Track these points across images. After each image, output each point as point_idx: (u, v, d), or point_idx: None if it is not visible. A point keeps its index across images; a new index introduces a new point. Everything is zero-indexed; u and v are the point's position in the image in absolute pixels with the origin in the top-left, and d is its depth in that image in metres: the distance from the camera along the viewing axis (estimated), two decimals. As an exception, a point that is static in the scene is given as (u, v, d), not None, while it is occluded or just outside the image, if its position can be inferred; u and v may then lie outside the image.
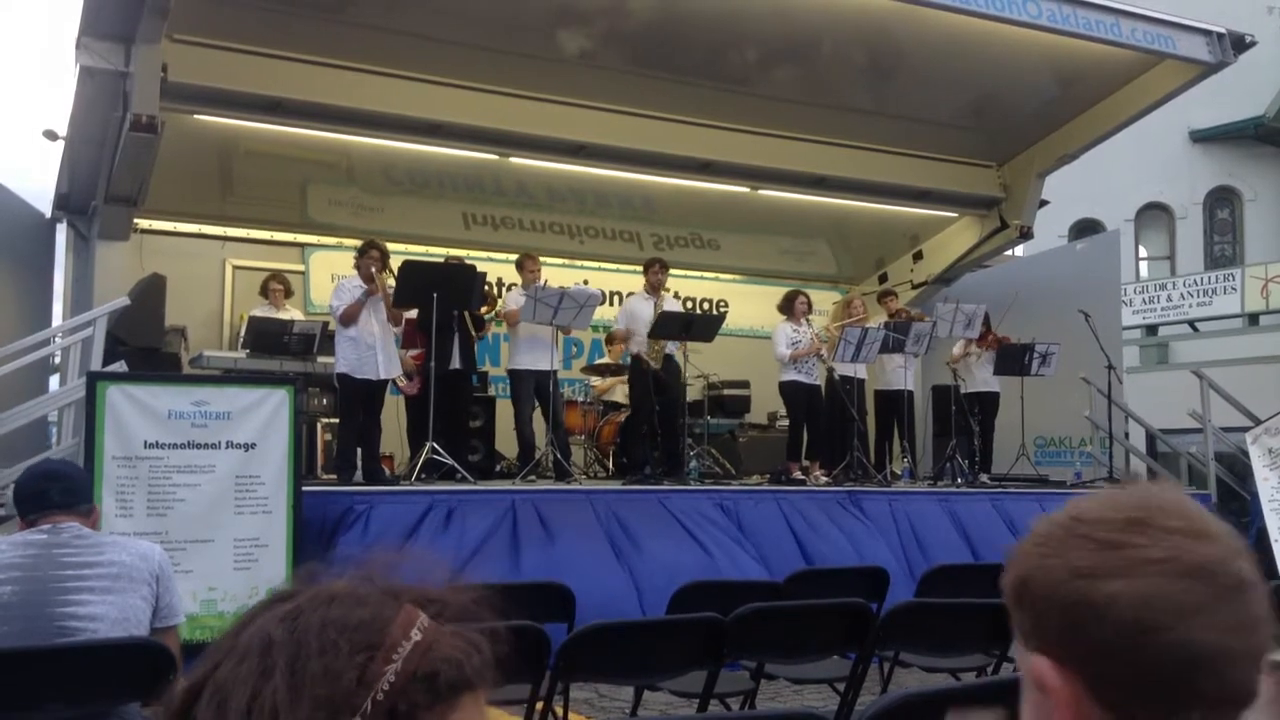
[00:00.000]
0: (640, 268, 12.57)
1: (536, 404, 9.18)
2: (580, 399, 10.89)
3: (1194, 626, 0.87)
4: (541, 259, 9.80)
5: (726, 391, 11.54)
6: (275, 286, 10.01)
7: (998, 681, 3.94)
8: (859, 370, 10.34)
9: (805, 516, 8.17)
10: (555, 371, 9.18)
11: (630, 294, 12.48)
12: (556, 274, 10.56)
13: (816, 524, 8.13)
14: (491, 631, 0.91)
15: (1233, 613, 0.89)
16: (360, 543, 6.69)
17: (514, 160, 10.92)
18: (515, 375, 9.27)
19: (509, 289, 11.26)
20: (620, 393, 11.04)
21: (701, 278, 13.16)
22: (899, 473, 10.45)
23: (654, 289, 9.61)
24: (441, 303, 8.44)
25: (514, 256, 10.33)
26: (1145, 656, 0.88)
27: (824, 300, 12.61)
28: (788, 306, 10.03)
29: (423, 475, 8.05)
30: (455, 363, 9.02)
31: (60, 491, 3.19)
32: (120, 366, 7.09)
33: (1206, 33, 9.68)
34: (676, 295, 10.59)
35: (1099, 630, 0.89)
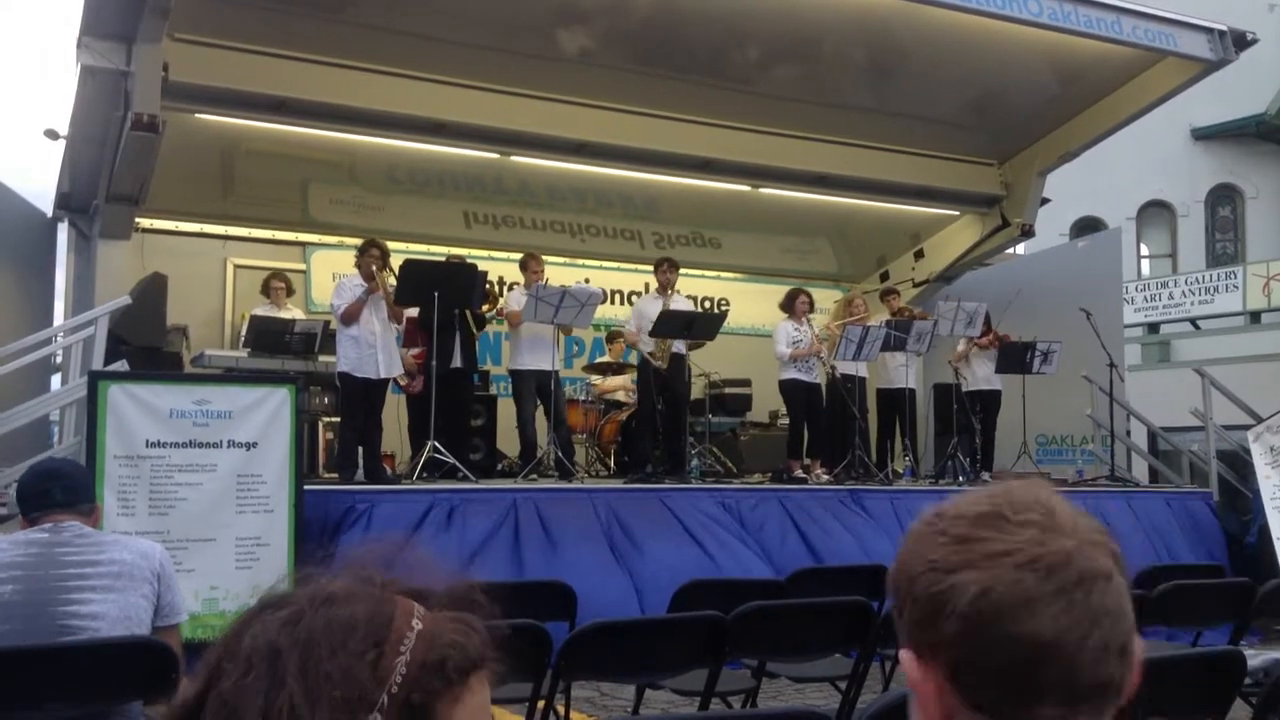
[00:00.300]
0: (641, 266, 12.67)
1: (538, 403, 9.19)
2: (582, 398, 10.89)
3: (1032, 618, 0.88)
4: (543, 258, 9.80)
5: (728, 390, 11.54)
6: (277, 285, 10.01)
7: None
8: (860, 369, 10.34)
9: (810, 514, 8.17)
10: (557, 371, 9.19)
11: (636, 294, 12.57)
12: (558, 273, 10.57)
13: (821, 521, 8.14)
14: (482, 614, 0.92)
15: (1075, 604, 0.89)
16: (360, 542, 6.70)
17: (515, 159, 10.93)
18: (517, 375, 9.28)
19: (510, 287, 11.28)
20: (622, 391, 11.04)
21: (703, 276, 13.15)
22: (900, 471, 10.44)
23: (663, 288, 9.61)
24: (442, 301, 8.44)
25: (515, 255, 10.34)
26: (989, 647, 0.89)
27: (826, 299, 12.62)
28: (789, 305, 10.02)
29: (424, 474, 8.05)
30: (457, 361, 9.03)
31: (62, 490, 3.19)
32: (122, 365, 7.09)
33: (1208, 30, 9.67)
34: (689, 297, 10.54)
35: (948, 622, 0.90)
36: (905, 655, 0.93)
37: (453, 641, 0.87)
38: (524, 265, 9.54)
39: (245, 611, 0.91)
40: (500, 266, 11.38)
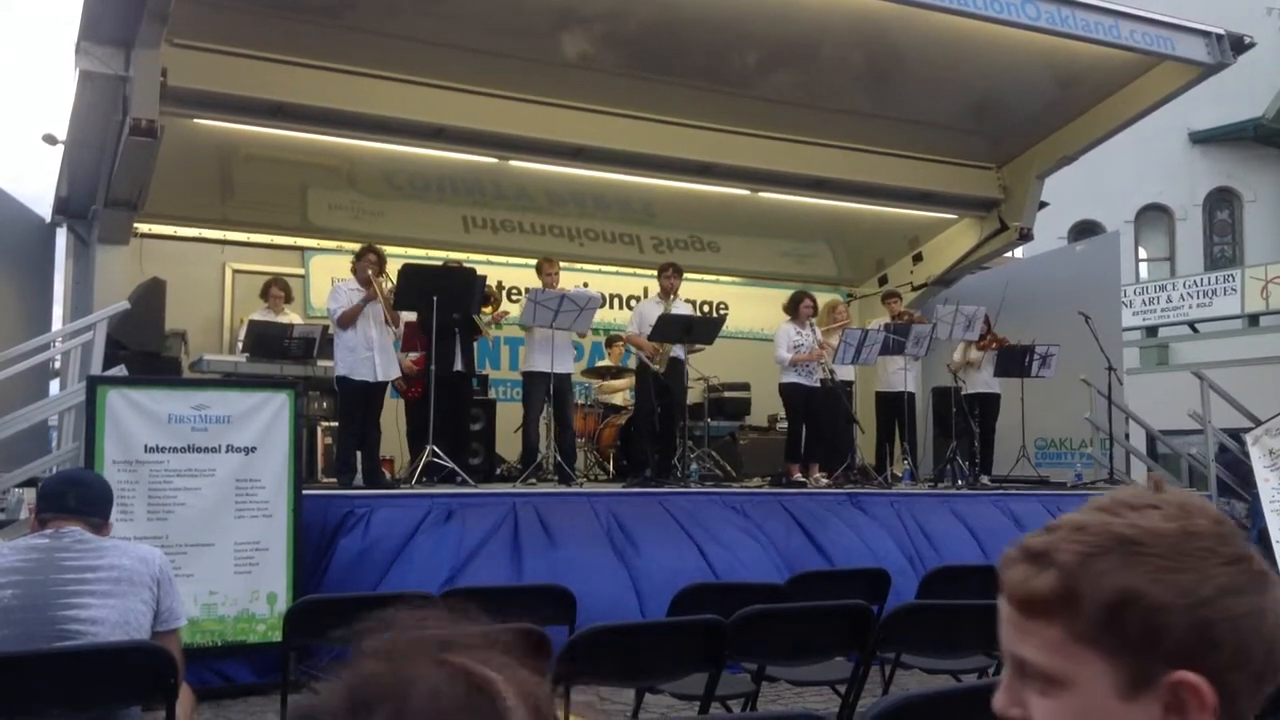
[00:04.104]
0: (640, 270, 12.69)
1: (546, 407, 9.19)
2: (581, 401, 10.89)
3: None
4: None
5: (727, 394, 11.54)
6: (275, 291, 10.01)
7: (999, 683, 3.94)
8: (849, 372, 10.35)
9: (813, 514, 8.18)
10: (568, 374, 9.21)
11: (635, 298, 12.57)
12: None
13: (824, 520, 8.14)
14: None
15: None
16: (360, 546, 6.70)
17: (514, 163, 10.92)
18: (530, 377, 9.27)
19: (510, 292, 11.29)
20: (620, 395, 11.04)
21: (701, 280, 13.15)
22: (900, 474, 10.44)
23: (665, 293, 9.61)
24: (441, 306, 8.45)
25: (514, 260, 10.34)
26: (1271, 665, 0.92)
27: (824, 302, 12.61)
28: (793, 308, 9.99)
29: (423, 478, 8.06)
30: (457, 365, 9.04)
31: (77, 498, 3.21)
32: (120, 370, 7.09)
33: (1205, 34, 9.68)
34: (688, 300, 10.51)
35: (1252, 644, 0.91)
36: (1191, 677, 0.91)
37: (545, 695, 0.87)
38: (539, 269, 9.53)
39: None
40: (499, 271, 11.38)
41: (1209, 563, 0.92)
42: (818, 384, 9.85)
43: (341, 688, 0.84)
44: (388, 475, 8.60)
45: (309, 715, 0.84)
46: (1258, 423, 9.81)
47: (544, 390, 9.12)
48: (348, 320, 8.00)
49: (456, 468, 8.12)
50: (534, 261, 9.80)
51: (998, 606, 1.04)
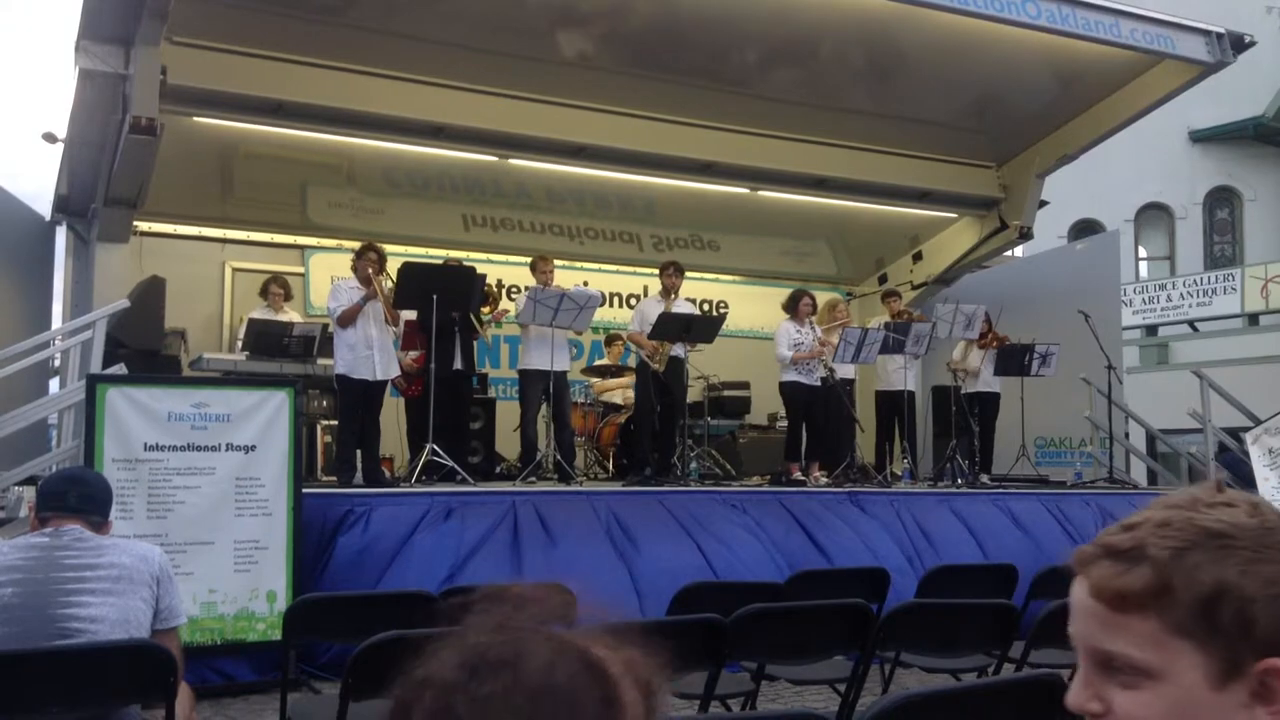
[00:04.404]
0: (640, 269, 12.69)
1: (544, 404, 9.19)
2: (580, 400, 10.89)
3: None
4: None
5: (726, 393, 11.54)
6: (275, 290, 10.01)
7: (998, 682, 3.94)
8: (849, 371, 10.36)
9: (813, 513, 8.18)
10: (565, 372, 9.21)
11: (635, 296, 12.57)
12: (556, 275, 10.54)
13: (824, 519, 8.14)
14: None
15: None
16: (359, 544, 6.70)
17: (514, 162, 10.92)
18: (526, 375, 9.27)
19: (510, 291, 11.28)
20: (620, 394, 11.04)
21: (701, 279, 13.15)
22: (899, 473, 10.44)
23: (667, 292, 9.60)
24: (441, 304, 8.45)
25: (514, 258, 10.32)
26: None
27: (823, 302, 12.61)
28: (792, 306, 9.99)
29: (423, 477, 8.06)
30: (456, 364, 9.04)
31: (78, 497, 3.22)
32: (120, 369, 7.09)
33: (1205, 33, 9.68)
34: (688, 299, 10.48)
35: None
36: None
37: (654, 673, 0.89)
38: (534, 267, 9.54)
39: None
40: (499, 269, 11.38)
41: None
42: (818, 383, 9.84)
43: (455, 655, 0.84)
44: (387, 474, 8.60)
45: (424, 679, 0.84)
46: (1257, 422, 9.82)
47: (540, 388, 9.12)
48: (348, 319, 8.01)
49: (456, 466, 8.12)
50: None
51: (1074, 604, 1.06)
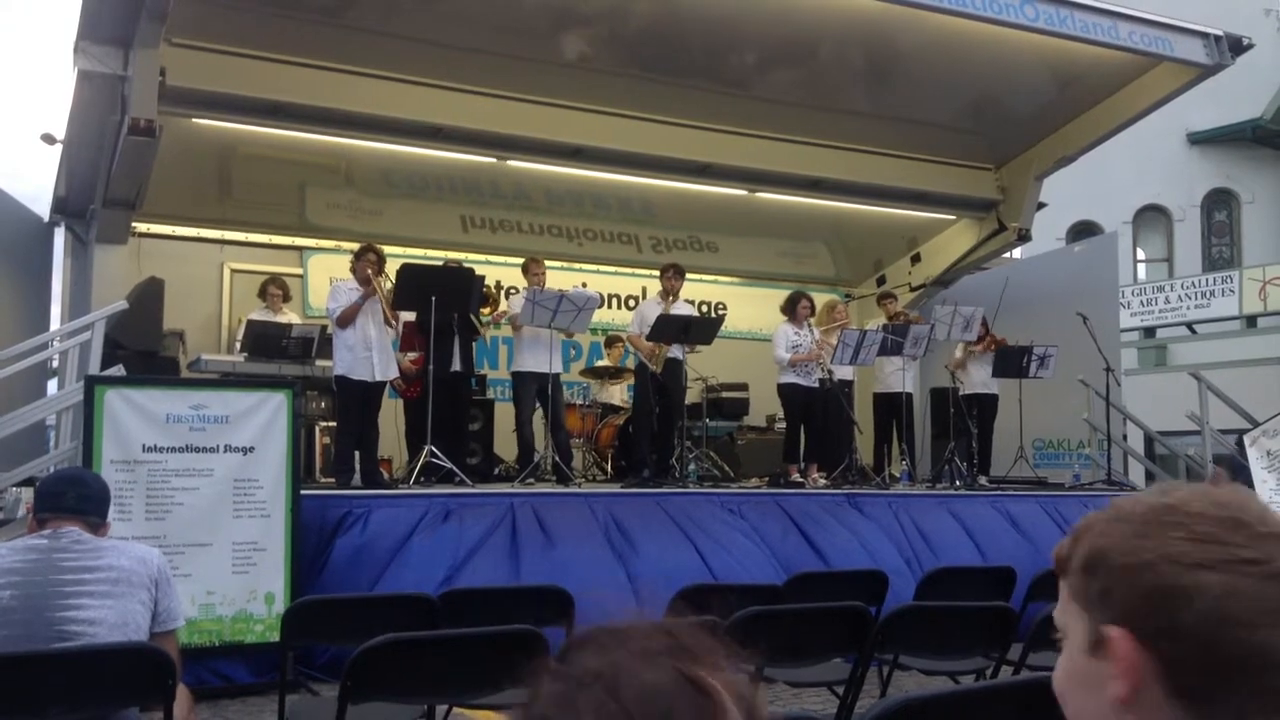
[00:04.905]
0: (639, 270, 12.69)
1: (537, 406, 9.19)
2: (579, 401, 10.89)
3: (1271, 629, 0.91)
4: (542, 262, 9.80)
5: (725, 394, 11.54)
6: (274, 291, 10.01)
7: (997, 684, 3.94)
8: (847, 373, 10.36)
9: (811, 515, 8.18)
10: (558, 374, 9.20)
11: (634, 298, 12.56)
12: (555, 277, 10.55)
13: (822, 521, 8.14)
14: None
15: None
16: (358, 546, 6.70)
17: (512, 163, 10.92)
18: (518, 377, 9.29)
19: (508, 291, 11.27)
20: (618, 395, 11.04)
21: (700, 280, 13.16)
22: (898, 475, 10.44)
23: (666, 294, 9.60)
24: (440, 306, 8.45)
25: (512, 259, 10.31)
26: (1222, 648, 0.92)
27: (822, 303, 12.61)
28: (790, 308, 9.99)
29: (421, 479, 8.06)
30: (455, 365, 9.04)
31: (76, 497, 3.21)
32: (118, 370, 7.08)
33: (1204, 35, 9.69)
34: (686, 300, 10.46)
35: (1183, 616, 0.92)
36: (1118, 632, 0.95)
37: (757, 698, 0.89)
38: (525, 269, 9.57)
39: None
40: (498, 270, 11.38)
41: (1170, 533, 0.95)
42: (816, 384, 9.85)
43: (554, 676, 0.87)
44: (386, 475, 8.60)
45: (529, 698, 0.87)
46: (1255, 424, 9.82)
47: (533, 389, 9.12)
48: (346, 319, 8.01)
49: (454, 468, 8.12)
50: (533, 262, 9.81)
51: None
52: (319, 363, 9.07)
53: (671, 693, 0.84)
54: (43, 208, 10.94)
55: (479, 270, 9.50)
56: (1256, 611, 0.91)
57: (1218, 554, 0.94)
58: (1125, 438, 11.73)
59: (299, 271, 11.29)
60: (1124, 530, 0.98)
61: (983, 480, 10.34)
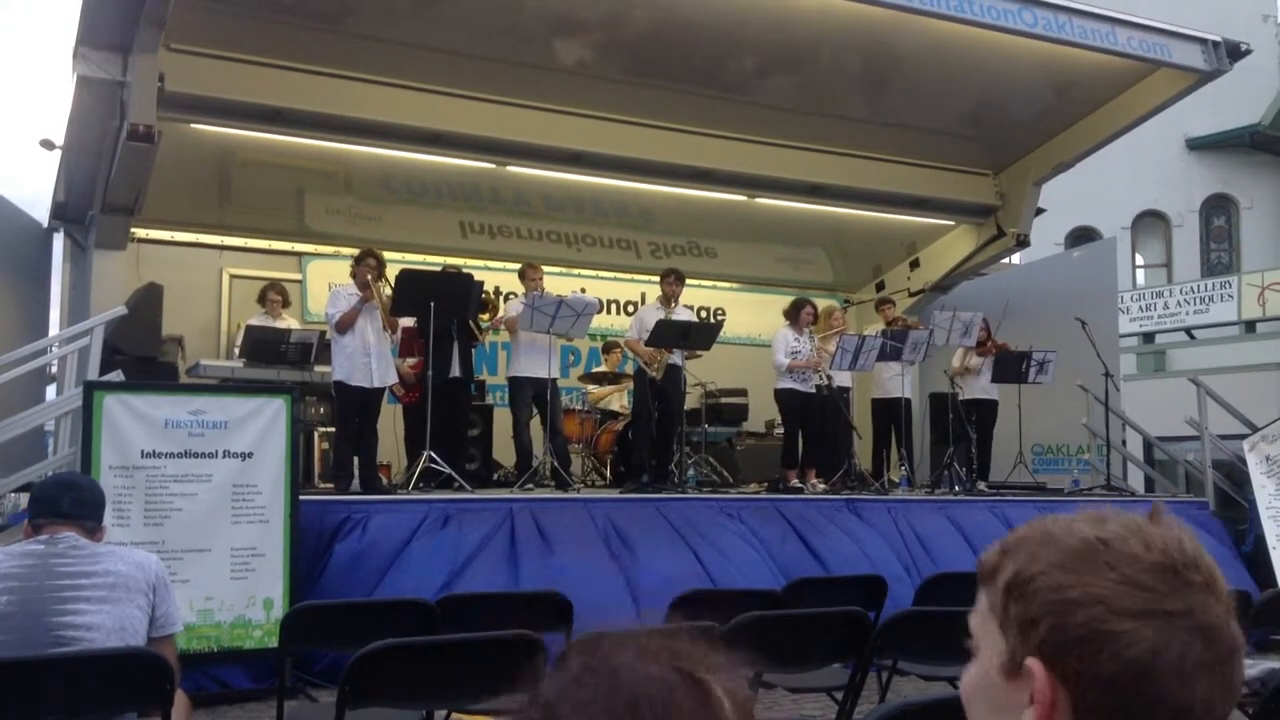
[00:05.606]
0: (637, 276, 12.69)
1: (535, 411, 9.18)
2: (577, 407, 10.88)
3: (1191, 685, 0.90)
4: (540, 267, 9.80)
5: (724, 400, 11.53)
6: (273, 297, 10.01)
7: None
8: (846, 378, 10.36)
9: (810, 521, 8.17)
10: (555, 379, 9.19)
11: (633, 303, 12.56)
12: (554, 282, 10.55)
13: (821, 527, 8.14)
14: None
15: (1226, 675, 0.93)
16: (356, 551, 6.69)
17: (511, 169, 10.92)
18: (515, 382, 9.29)
19: (507, 297, 11.28)
20: (617, 401, 11.03)
21: (699, 286, 13.16)
22: (896, 481, 10.43)
23: (666, 300, 9.60)
24: (439, 311, 8.45)
25: (511, 265, 10.31)
26: (1141, 699, 0.90)
27: (820, 309, 12.62)
28: (794, 314, 9.96)
29: (420, 484, 8.05)
30: (454, 371, 9.04)
31: (71, 502, 3.20)
32: (117, 376, 7.08)
33: (1202, 41, 9.70)
34: (685, 306, 10.44)
35: (1104, 662, 0.91)
36: (1037, 665, 0.93)
37: (748, 695, 0.89)
38: (523, 275, 9.58)
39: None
40: (496, 276, 11.38)
41: (1101, 574, 0.93)
42: (813, 390, 9.84)
43: (553, 678, 0.87)
44: (384, 481, 8.59)
45: (528, 700, 0.88)
46: (1254, 429, 9.83)
47: (528, 395, 9.11)
48: (345, 324, 8.00)
49: (453, 473, 8.12)
50: (532, 267, 9.81)
51: None
52: (318, 368, 9.07)
53: (671, 686, 0.84)
54: (42, 213, 10.95)
55: (478, 276, 9.50)
56: (1174, 664, 0.90)
57: (1145, 602, 0.92)
58: (1124, 443, 11.73)
59: (298, 277, 11.29)
60: (1053, 559, 0.96)
61: (981, 486, 10.34)
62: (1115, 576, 0.93)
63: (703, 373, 10.45)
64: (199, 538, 6.16)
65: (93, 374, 7.15)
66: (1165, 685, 0.90)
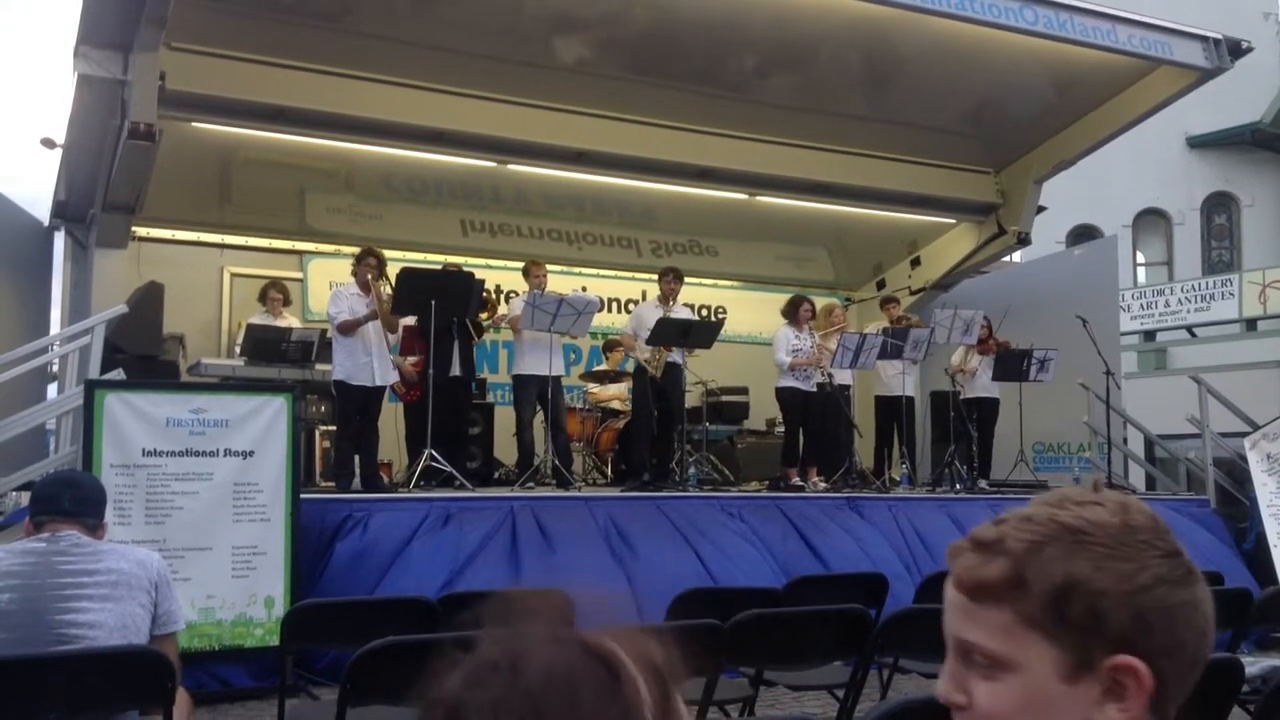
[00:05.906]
0: (638, 274, 12.68)
1: (538, 409, 9.18)
2: (578, 405, 10.88)
3: (1213, 632, 0.99)
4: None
5: (725, 398, 11.53)
6: (274, 295, 10.01)
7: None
8: (847, 376, 10.35)
9: (811, 519, 8.17)
10: (559, 377, 9.19)
11: (634, 302, 12.56)
12: (555, 281, 10.53)
13: (821, 525, 8.14)
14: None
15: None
16: (357, 550, 6.69)
17: (512, 167, 10.91)
18: (519, 380, 9.28)
19: (508, 295, 11.28)
20: (618, 399, 11.03)
21: (700, 284, 13.15)
22: (898, 479, 10.43)
23: (665, 298, 9.59)
24: (439, 310, 8.45)
25: (512, 264, 10.31)
26: (1203, 652, 0.97)
27: (820, 308, 12.61)
28: (791, 312, 9.97)
29: (421, 482, 8.05)
30: (455, 369, 9.04)
31: (72, 499, 3.20)
32: (118, 374, 7.08)
33: (1203, 39, 9.69)
34: (686, 305, 10.43)
35: (1182, 632, 0.96)
36: (1130, 660, 0.96)
37: (663, 655, 0.88)
38: (526, 272, 9.57)
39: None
40: (497, 275, 11.38)
41: (1147, 554, 0.97)
42: (814, 389, 9.84)
43: (459, 671, 0.85)
44: (385, 479, 8.59)
45: (434, 699, 0.84)
46: (1255, 427, 9.82)
47: (533, 393, 9.11)
48: (349, 329, 8.01)
49: (454, 471, 8.12)
50: (533, 266, 9.80)
51: (945, 596, 1.10)
52: (319, 367, 9.07)
53: (576, 671, 0.83)
54: (42, 212, 10.94)
55: (479, 274, 9.50)
56: (1210, 619, 0.97)
57: (1179, 566, 0.98)
58: (1125, 441, 11.73)
59: (299, 276, 11.29)
60: (1095, 554, 0.98)
61: (983, 484, 10.34)
62: (1157, 552, 0.98)
63: (704, 371, 10.44)
64: (200, 536, 6.17)
65: (94, 372, 7.15)
66: (1212, 632, 0.97)
